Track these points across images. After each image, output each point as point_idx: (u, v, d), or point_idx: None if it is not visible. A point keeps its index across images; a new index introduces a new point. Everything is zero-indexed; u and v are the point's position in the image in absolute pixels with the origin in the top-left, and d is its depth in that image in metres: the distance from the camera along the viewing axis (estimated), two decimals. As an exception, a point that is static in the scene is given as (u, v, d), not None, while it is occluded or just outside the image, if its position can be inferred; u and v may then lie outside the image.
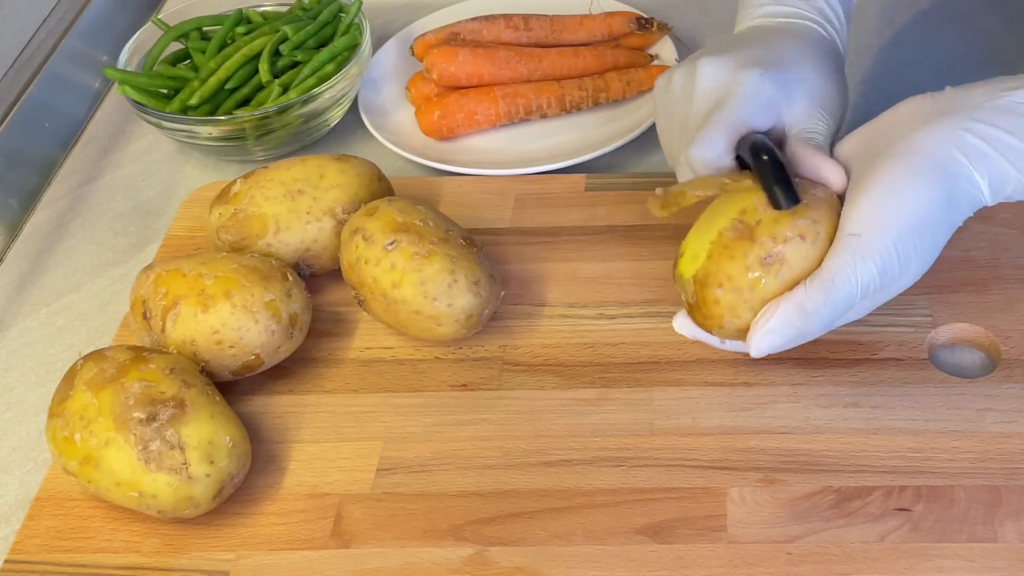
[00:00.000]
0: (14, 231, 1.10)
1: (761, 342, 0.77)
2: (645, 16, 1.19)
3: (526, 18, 1.18)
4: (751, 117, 0.82)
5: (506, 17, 1.18)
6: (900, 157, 0.76)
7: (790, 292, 0.76)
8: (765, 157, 0.78)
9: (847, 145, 0.82)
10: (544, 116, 1.13)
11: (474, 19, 1.18)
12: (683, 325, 0.82)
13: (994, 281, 0.91)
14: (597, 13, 1.20)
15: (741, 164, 0.83)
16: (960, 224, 0.78)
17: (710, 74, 0.85)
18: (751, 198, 0.78)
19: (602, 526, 0.78)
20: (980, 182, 0.76)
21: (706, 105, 0.84)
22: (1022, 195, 0.77)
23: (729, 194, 0.79)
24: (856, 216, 0.75)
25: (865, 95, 1.15)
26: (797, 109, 0.84)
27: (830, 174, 0.79)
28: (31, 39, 1.20)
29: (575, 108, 1.13)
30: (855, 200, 0.76)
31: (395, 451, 0.84)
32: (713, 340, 0.83)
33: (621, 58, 1.16)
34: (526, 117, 1.13)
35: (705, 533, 0.77)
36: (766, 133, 0.83)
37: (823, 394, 0.85)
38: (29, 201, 1.13)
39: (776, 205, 0.77)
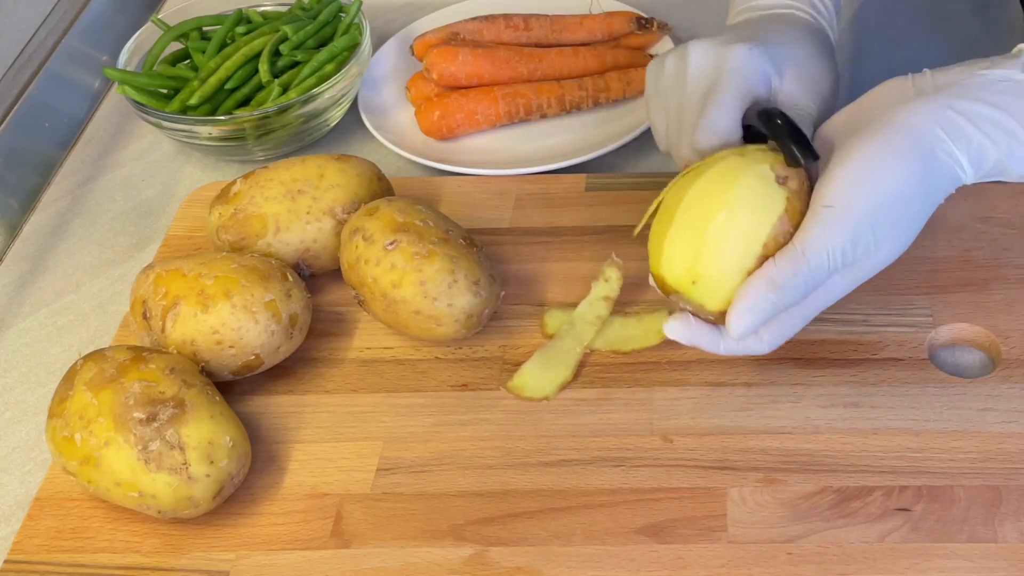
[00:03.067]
0: (14, 231, 1.10)
1: (738, 321, 0.76)
2: (645, 16, 1.19)
3: (526, 18, 1.18)
4: (752, 88, 0.83)
5: (506, 17, 1.18)
6: (879, 132, 0.76)
7: (761, 268, 0.76)
8: (779, 121, 0.79)
9: (830, 125, 0.82)
10: (544, 116, 1.13)
11: (474, 19, 1.18)
12: (675, 330, 0.81)
13: (994, 281, 0.91)
14: (597, 13, 1.20)
15: (747, 138, 0.83)
16: (940, 202, 0.78)
17: (701, 55, 0.85)
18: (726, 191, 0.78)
19: (602, 526, 0.78)
20: (960, 158, 0.76)
21: (701, 87, 0.85)
22: (1000, 172, 0.77)
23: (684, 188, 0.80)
24: (831, 188, 0.75)
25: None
26: (787, 85, 0.84)
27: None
28: (31, 39, 1.20)
29: (575, 108, 1.13)
30: (831, 172, 0.76)
31: (395, 451, 0.84)
32: (708, 342, 0.81)
33: (621, 58, 1.16)
34: (526, 117, 1.13)
35: (705, 533, 0.77)
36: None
37: (823, 394, 0.84)
38: (29, 201, 1.13)
39: (796, 162, 0.77)
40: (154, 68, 1.17)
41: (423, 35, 1.18)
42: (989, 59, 0.78)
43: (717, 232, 0.77)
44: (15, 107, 1.13)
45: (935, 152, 0.75)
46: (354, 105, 1.16)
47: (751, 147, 0.80)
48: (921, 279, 0.91)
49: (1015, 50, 0.78)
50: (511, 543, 0.78)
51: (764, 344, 0.79)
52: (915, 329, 0.87)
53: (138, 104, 1.10)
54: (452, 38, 1.16)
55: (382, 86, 1.19)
